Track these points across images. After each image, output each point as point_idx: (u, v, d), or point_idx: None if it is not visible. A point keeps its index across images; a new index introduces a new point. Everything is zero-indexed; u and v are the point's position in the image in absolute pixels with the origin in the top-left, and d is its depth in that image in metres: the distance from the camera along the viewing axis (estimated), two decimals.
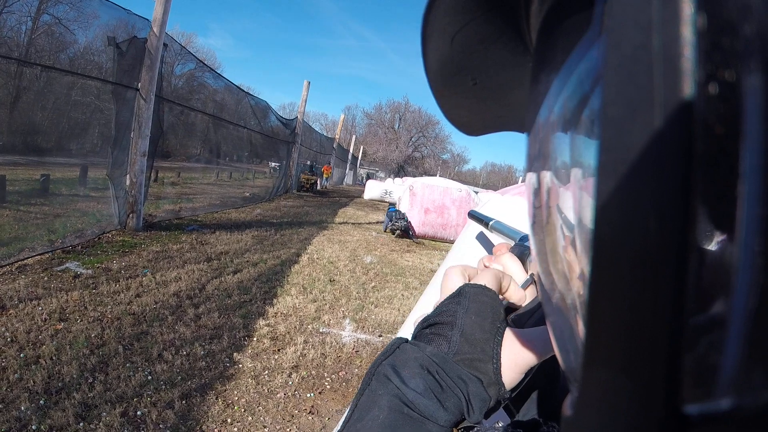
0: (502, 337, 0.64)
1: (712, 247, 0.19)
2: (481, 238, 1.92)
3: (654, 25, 0.19)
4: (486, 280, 0.71)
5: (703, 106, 0.18)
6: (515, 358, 0.63)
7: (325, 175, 34.24)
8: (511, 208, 2.04)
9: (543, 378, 0.73)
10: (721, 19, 0.18)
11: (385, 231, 15.40)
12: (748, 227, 0.18)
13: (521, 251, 0.88)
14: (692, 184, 0.18)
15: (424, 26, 0.41)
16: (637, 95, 0.19)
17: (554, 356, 0.37)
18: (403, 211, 15.67)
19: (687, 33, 0.18)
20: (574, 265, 0.30)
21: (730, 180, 0.18)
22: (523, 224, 1.15)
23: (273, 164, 24.30)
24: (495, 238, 1.55)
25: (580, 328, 0.28)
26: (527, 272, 0.83)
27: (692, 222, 0.18)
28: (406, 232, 15.00)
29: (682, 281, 0.19)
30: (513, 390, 0.65)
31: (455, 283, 0.72)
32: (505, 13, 0.39)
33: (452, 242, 13.66)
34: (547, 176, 0.34)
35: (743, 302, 0.18)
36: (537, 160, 0.36)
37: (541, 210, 0.36)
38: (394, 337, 0.70)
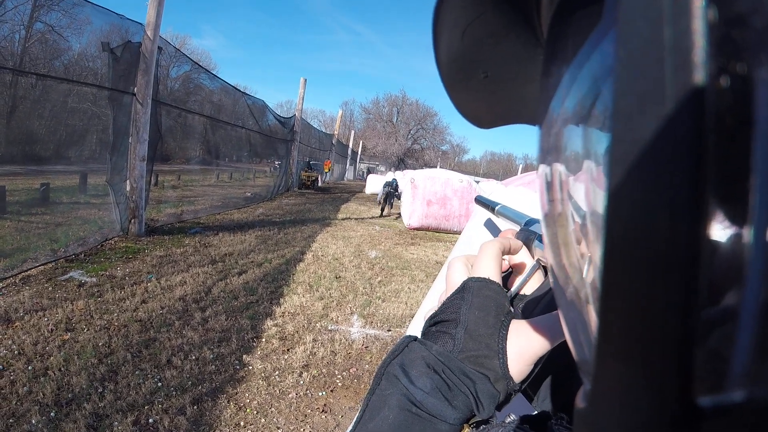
0: (506, 330, 0.64)
1: (724, 240, 0.19)
2: (489, 225, 1.92)
3: (665, 18, 0.19)
4: (486, 263, 0.71)
5: (714, 98, 0.18)
6: (522, 351, 0.63)
7: (325, 170, 34.48)
8: (516, 198, 2.03)
9: (556, 367, 0.74)
10: (732, 11, 0.18)
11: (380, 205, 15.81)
12: (760, 220, 0.18)
13: (526, 236, 0.87)
14: (703, 176, 0.18)
15: (435, 20, 0.41)
16: (648, 88, 0.19)
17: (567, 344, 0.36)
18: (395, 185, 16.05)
19: (698, 26, 0.18)
20: (585, 252, 0.30)
21: (742, 172, 0.18)
22: (527, 213, 1.14)
23: (277, 163, 24.33)
24: (502, 224, 1.54)
25: (594, 321, 0.27)
26: (533, 257, 0.83)
27: (704, 215, 0.18)
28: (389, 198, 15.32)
29: (693, 274, 0.19)
30: (523, 381, 0.65)
31: (459, 275, 0.73)
32: (516, 7, 0.39)
33: (456, 233, 13.78)
34: (560, 169, 0.34)
35: (755, 295, 0.18)
36: (550, 153, 0.36)
37: (554, 203, 0.36)
38: (403, 334, 0.69)
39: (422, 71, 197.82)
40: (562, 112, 0.32)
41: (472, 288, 0.67)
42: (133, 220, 9.10)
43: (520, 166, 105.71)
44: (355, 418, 0.62)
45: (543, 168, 0.38)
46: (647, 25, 0.19)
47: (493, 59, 0.45)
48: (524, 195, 2.09)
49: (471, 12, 0.39)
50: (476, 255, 0.76)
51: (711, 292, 0.19)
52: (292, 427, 3.72)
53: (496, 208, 1.35)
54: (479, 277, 0.69)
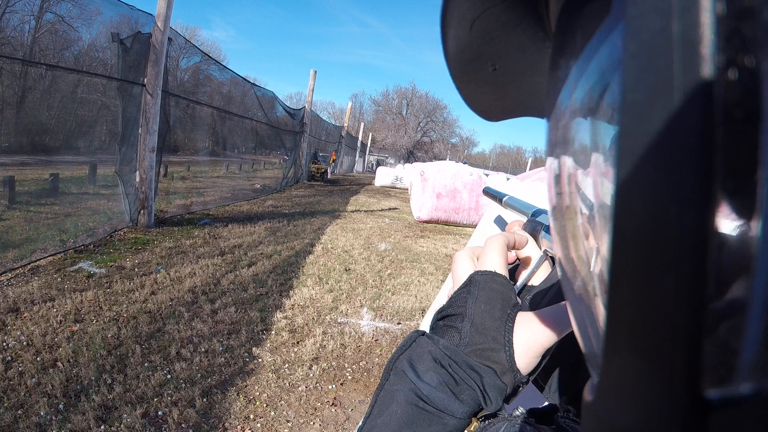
0: (513, 323, 0.64)
1: (732, 232, 0.19)
2: (499, 221, 1.92)
3: (674, 11, 0.19)
4: (491, 257, 0.71)
5: (722, 91, 0.18)
6: (528, 343, 0.63)
7: (330, 161, 34.58)
8: (533, 193, 2.02)
9: (567, 357, 0.75)
10: (741, 4, 0.18)
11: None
12: None
13: (533, 227, 0.88)
14: (712, 169, 0.18)
15: (444, 12, 0.41)
16: (656, 81, 0.19)
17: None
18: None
19: (706, 18, 0.18)
20: (593, 245, 0.30)
21: (750, 165, 0.18)
22: (534, 204, 1.15)
23: (285, 156, 24.32)
24: (510, 216, 1.54)
25: (602, 313, 0.27)
26: (540, 248, 0.83)
27: (712, 207, 0.18)
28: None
29: (702, 267, 0.19)
30: (531, 373, 0.65)
31: (464, 269, 0.73)
32: None
33: (466, 226, 13.79)
34: (568, 161, 0.35)
35: (763, 287, 0.19)
36: (558, 146, 0.36)
37: (563, 195, 0.36)
38: (413, 328, 0.70)
39: (432, 63, 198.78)
40: (570, 104, 0.32)
41: (478, 281, 0.68)
42: (142, 211, 9.09)
43: (530, 159, 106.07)
44: (365, 414, 0.63)
45: (551, 161, 0.38)
46: (656, 18, 0.19)
47: (502, 52, 0.45)
48: (541, 189, 2.09)
49: (480, 4, 0.39)
50: (481, 247, 0.76)
51: (719, 284, 0.19)
52: (302, 421, 3.72)
53: (504, 199, 1.35)
54: (485, 271, 0.69)
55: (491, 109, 0.57)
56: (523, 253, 0.82)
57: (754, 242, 0.19)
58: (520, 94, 0.53)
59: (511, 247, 0.77)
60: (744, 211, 0.19)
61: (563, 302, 0.65)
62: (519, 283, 0.79)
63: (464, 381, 0.60)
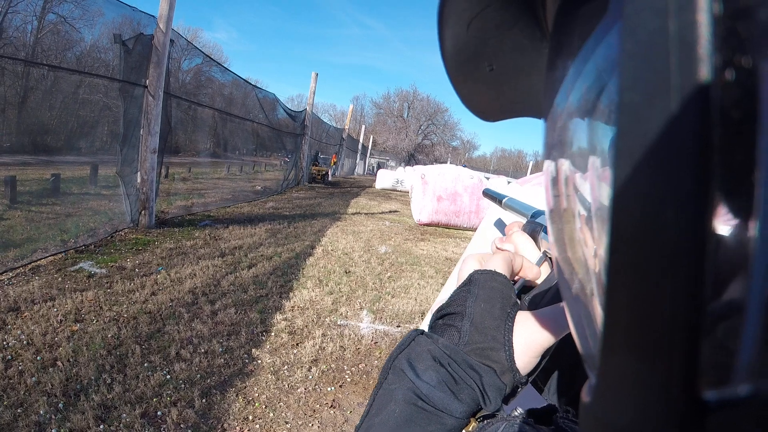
0: (513, 322, 0.64)
1: (729, 233, 0.19)
2: (499, 224, 1.92)
3: (670, 11, 0.19)
4: (496, 264, 0.71)
5: (719, 92, 0.18)
6: (528, 342, 0.63)
7: (331, 163, 34.57)
8: (532, 197, 2.02)
9: (566, 358, 0.74)
10: (738, 4, 0.18)
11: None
12: (765, 213, 0.18)
13: (533, 228, 0.88)
14: (709, 170, 0.18)
15: (441, 12, 0.41)
16: (653, 81, 0.19)
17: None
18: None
19: (703, 19, 0.18)
20: (591, 246, 0.30)
21: (747, 166, 0.18)
22: (534, 205, 1.15)
23: (287, 158, 24.28)
24: (510, 218, 1.55)
25: (599, 315, 0.27)
26: (540, 249, 0.84)
27: (710, 208, 0.18)
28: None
29: (699, 268, 0.19)
30: (531, 374, 0.65)
31: (470, 270, 0.72)
32: None
33: (466, 229, 13.77)
34: (565, 164, 0.34)
35: (760, 288, 0.19)
36: (555, 148, 0.36)
37: (560, 198, 0.36)
38: (411, 329, 0.69)
39: (433, 66, 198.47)
40: (567, 105, 0.32)
41: (478, 280, 0.67)
42: (143, 212, 9.08)
43: (531, 162, 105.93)
44: (363, 412, 0.62)
45: (548, 163, 0.38)
46: (653, 18, 0.19)
47: (499, 52, 0.46)
48: (541, 194, 2.09)
49: (477, 4, 0.39)
50: (491, 254, 0.76)
51: (717, 285, 0.19)
52: (300, 422, 3.71)
53: (504, 200, 1.37)
54: (485, 270, 0.69)
55: (488, 109, 0.57)
56: (523, 252, 0.82)
57: (751, 243, 0.19)
58: (517, 94, 0.53)
59: (517, 270, 0.76)
60: (741, 212, 0.19)
61: (563, 302, 0.64)
62: (519, 283, 0.79)
63: (463, 380, 0.59)
